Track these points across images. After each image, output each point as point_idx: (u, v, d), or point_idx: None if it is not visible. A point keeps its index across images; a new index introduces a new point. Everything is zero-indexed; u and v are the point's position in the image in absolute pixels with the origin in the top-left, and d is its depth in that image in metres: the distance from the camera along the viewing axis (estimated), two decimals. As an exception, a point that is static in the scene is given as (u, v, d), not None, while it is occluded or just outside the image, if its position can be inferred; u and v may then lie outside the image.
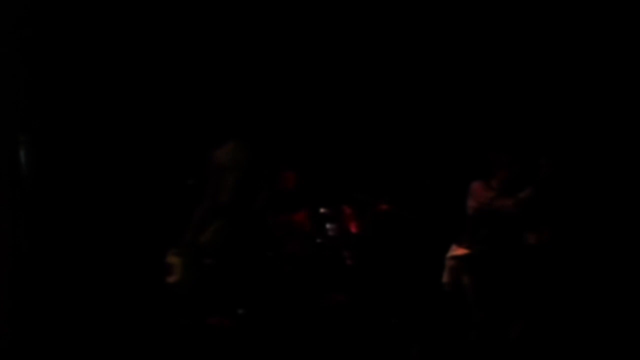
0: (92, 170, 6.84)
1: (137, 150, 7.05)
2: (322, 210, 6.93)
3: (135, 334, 6.23)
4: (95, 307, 6.41)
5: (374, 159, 7.33)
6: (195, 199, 6.17)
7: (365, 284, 6.87)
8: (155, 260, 6.25)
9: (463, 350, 6.08)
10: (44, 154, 6.48)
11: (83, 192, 6.81)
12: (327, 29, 7.10)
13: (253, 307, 6.42)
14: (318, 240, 6.91)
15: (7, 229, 5.75)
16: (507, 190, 6.25)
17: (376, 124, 7.31)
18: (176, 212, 6.58)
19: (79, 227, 6.72)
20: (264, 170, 6.24)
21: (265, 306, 6.48)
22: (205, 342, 6.20)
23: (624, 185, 6.54)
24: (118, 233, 6.72)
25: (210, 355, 6.12)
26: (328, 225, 6.92)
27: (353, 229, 6.97)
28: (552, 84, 6.87)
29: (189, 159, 6.83)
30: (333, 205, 6.96)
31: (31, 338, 5.85)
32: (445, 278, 6.57)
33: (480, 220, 6.32)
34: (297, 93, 7.25)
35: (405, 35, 7.07)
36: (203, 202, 6.17)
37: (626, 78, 6.71)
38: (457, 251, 6.52)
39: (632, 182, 6.54)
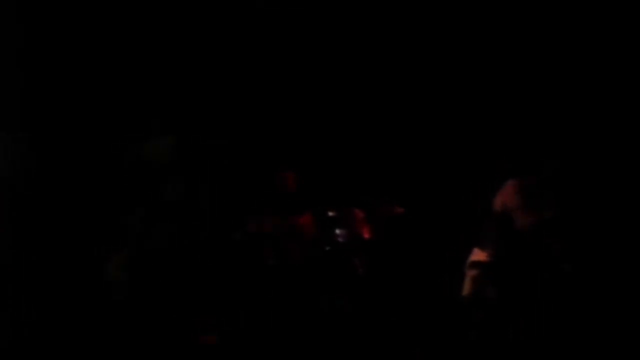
0: (91, 169, 6.66)
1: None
2: (330, 213, 6.40)
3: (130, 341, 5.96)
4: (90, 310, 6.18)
5: (385, 158, 6.85)
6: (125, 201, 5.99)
7: (378, 295, 6.30)
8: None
9: (466, 352, 5.73)
10: (42, 153, 6.43)
11: (81, 192, 6.62)
12: (337, 20, 6.87)
13: (252, 321, 6.08)
14: (326, 247, 6.38)
15: (6, 228, 5.86)
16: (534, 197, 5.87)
17: (388, 121, 6.89)
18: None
19: (77, 226, 6.52)
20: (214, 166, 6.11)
21: (266, 319, 6.09)
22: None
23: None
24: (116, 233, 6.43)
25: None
26: (337, 231, 6.38)
27: (365, 234, 6.41)
28: (556, 88, 6.64)
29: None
30: (342, 208, 6.42)
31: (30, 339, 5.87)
32: (466, 289, 5.92)
33: (502, 222, 5.87)
34: (299, 88, 6.91)
35: (419, 32, 6.86)
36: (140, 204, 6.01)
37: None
38: (479, 256, 5.88)
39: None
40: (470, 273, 5.89)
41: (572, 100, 6.53)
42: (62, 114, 6.63)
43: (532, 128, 6.41)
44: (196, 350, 5.94)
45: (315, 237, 6.38)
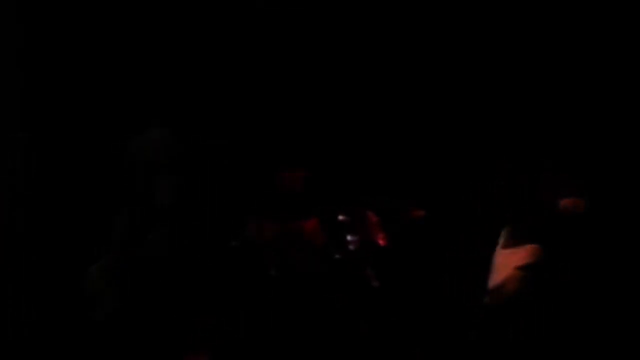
0: (93, 170, 6.56)
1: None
2: (340, 217, 5.92)
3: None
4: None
5: (402, 155, 6.50)
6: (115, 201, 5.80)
7: (394, 310, 5.80)
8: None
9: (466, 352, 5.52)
10: (43, 153, 6.45)
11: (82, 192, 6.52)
12: (339, 19, 6.75)
13: (252, 338, 5.58)
14: (335, 256, 5.90)
15: (5, 228, 6.01)
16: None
17: (402, 115, 6.59)
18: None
19: (77, 226, 6.41)
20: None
21: (268, 335, 5.59)
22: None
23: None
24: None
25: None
26: (348, 237, 5.90)
27: (380, 240, 5.92)
28: (555, 88, 6.53)
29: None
30: (353, 211, 5.97)
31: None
32: (511, 291, 5.42)
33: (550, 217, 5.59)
34: (303, 85, 6.65)
35: (421, 32, 6.75)
36: (129, 206, 5.69)
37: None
38: (521, 255, 5.42)
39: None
40: (515, 275, 5.39)
41: (572, 100, 6.42)
42: (63, 113, 6.57)
43: (532, 128, 6.32)
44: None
45: (323, 244, 5.91)
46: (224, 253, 5.79)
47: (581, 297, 5.44)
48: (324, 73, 6.68)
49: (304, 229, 5.88)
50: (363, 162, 6.43)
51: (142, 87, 6.58)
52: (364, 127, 6.57)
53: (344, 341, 5.55)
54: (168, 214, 5.79)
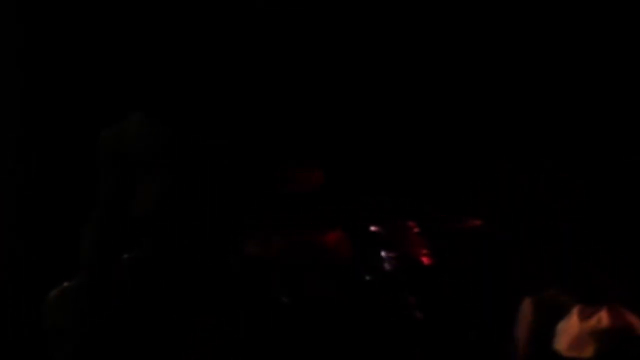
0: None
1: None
2: (372, 228, 5.05)
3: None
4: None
5: (449, 150, 6.00)
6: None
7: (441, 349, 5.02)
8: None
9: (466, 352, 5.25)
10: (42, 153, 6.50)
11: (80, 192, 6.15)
12: (340, 19, 6.60)
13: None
14: (366, 277, 4.98)
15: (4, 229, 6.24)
16: None
17: (401, 115, 6.21)
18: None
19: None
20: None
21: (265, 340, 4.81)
22: None
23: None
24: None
25: None
26: (383, 254, 5.00)
27: (423, 258, 5.01)
28: (556, 87, 6.46)
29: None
30: (389, 221, 5.10)
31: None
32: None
33: None
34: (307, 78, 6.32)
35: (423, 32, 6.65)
36: (97, 215, 4.89)
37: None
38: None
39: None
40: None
41: (572, 100, 6.33)
42: (63, 113, 6.53)
43: (532, 128, 6.23)
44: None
45: (350, 262, 4.96)
46: (221, 275, 4.73)
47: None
48: (325, 73, 6.41)
49: (324, 243, 4.92)
50: (408, 156, 5.97)
51: (143, 86, 5.83)
52: (363, 126, 6.23)
53: (344, 341, 4.88)
54: (149, 226, 4.86)
